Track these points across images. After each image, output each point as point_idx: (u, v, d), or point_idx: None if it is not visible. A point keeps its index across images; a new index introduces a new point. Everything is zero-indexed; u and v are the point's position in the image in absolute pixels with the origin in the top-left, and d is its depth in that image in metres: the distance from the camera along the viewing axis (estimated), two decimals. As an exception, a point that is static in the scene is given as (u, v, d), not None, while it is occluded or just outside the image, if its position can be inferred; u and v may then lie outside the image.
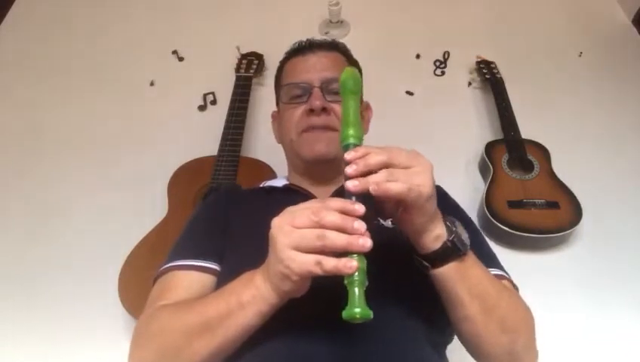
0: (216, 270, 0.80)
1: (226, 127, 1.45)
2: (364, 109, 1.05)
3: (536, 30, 1.97)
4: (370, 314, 0.54)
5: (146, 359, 0.70)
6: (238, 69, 1.66)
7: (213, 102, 1.70)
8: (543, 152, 1.46)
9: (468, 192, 1.45)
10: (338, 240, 0.55)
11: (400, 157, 0.60)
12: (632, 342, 1.21)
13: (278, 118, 1.03)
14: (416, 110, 1.69)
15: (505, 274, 0.81)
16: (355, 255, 0.55)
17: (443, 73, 1.80)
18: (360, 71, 1.05)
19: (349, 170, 0.59)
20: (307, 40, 0.99)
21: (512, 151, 1.45)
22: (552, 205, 1.33)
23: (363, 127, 1.01)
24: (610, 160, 1.56)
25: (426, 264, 0.66)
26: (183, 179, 1.38)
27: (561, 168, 1.42)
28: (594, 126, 1.65)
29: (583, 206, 1.32)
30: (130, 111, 1.69)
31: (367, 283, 0.56)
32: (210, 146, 1.43)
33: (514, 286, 0.81)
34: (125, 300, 1.14)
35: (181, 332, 0.66)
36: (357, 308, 0.54)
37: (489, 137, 1.57)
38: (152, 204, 1.36)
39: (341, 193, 0.63)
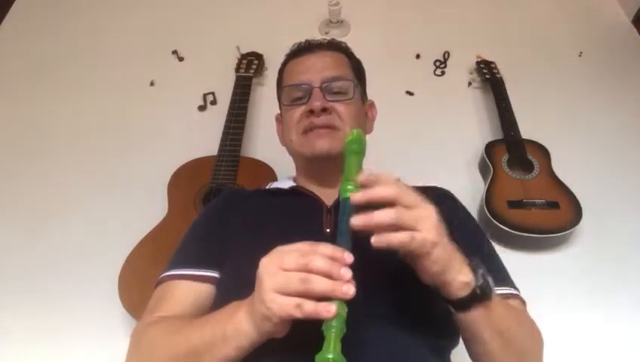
0: (214, 278, 0.80)
1: (226, 127, 1.45)
2: (369, 108, 1.03)
3: (537, 30, 1.97)
4: (344, 361, 0.54)
5: None
6: (238, 69, 1.66)
7: (213, 102, 1.70)
8: (543, 152, 1.46)
9: (468, 192, 1.45)
10: (322, 284, 0.55)
11: (408, 198, 0.60)
12: (632, 341, 1.21)
13: (281, 121, 1.02)
14: (416, 110, 1.69)
15: (515, 291, 0.81)
16: (337, 301, 0.55)
17: (443, 73, 1.80)
18: (362, 68, 1.03)
19: (355, 221, 0.59)
20: (306, 41, 0.98)
21: (512, 151, 1.45)
22: (552, 205, 1.33)
23: (367, 126, 1.00)
24: (611, 160, 1.56)
25: (452, 310, 0.66)
26: (183, 179, 1.38)
27: (561, 168, 1.42)
28: (594, 126, 1.65)
29: (583, 206, 1.32)
30: (130, 111, 1.69)
31: (344, 331, 0.56)
32: (210, 146, 1.43)
33: (523, 302, 0.81)
34: (125, 300, 1.14)
35: (167, 356, 0.68)
36: (330, 354, 0.53)
37: (489, 137, 1.57)
38: (151, 204, 1.36)
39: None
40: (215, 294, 0.80)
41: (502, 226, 1.29)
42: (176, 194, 1.35)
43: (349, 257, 0.57)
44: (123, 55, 1.86)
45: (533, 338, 0.74)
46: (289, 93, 0.94)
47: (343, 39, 1.04)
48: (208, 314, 0.71)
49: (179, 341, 0.67)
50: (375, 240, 0.58)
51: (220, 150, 1.40)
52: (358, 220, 0.59)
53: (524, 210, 1.31)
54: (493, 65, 1.71)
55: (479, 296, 0.64)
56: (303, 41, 0.99)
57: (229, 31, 1.92)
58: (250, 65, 1.67)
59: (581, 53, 1.87)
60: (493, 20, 1.99)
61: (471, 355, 0.72)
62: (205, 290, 0.79)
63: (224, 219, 0.87)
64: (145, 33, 1.94)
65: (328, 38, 0.97)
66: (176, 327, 0.71)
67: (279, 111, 1.04)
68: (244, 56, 1.72)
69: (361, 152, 0.70)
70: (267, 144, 1.56)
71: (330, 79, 0.90)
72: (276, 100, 1.05)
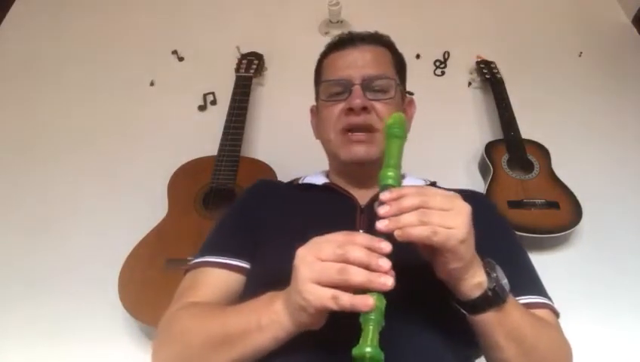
0: (245, 268, 0.80)
1: (226, 127, 1.45)
2: (407, 105, 1.00)
3: (536, 30, 1.97)
4: (381, 356, 0.53)
5: (168, 359, 0.72)
6: (238, 69, 1.66)
7: (213, 102, 1.70)
8: (543, 152, 1.46)
9: (468, 192, 1.45)
10: (359, 275, 0.54)
11: (435, 200, 0.58)
12: (632, 341, 1.21)
13: (316, 114, 0.99)
14: (416, 110, 1.69)
15: (547, 301, 0.79)
16: (375, 293, 0.54)
17: (443, 73, 1.80)
18: (404, 63, 1.00)
19: (382, 210, 0.59)
20: (348, 32, 0.95)
21: (512, 151, 1.45)
22: (552, 205, 1.33)
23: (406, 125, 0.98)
24: (611, 160, 1.56)
25: (464, 312, 0.65)
26: (183, 179, 1.38)
27: (561, 168, 1.42)
28: (594, 126, 1.65)
29: (583, 206, 1.32)
30: (130, 112, 1.69)
31: (383, 324, 0.55)
32: (210, 146, 1.43)
33: (555, 312, 0.79)
34: (125, 300, 1.14)
35: (201, 340, 0.67)
36: (368, 348, 0.53)
37: (489, 137, 1.57)
38: (151, 204, 1.36)
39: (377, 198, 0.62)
40: (245, 285, 0.80)
41: (502, 226, 1.29)
42: (176, 194, 1.35)
43: (387, 246, 0.56)
44: (123, 55, 1.86)
45: (558, 353, 0.70)
46: (327, 88, 0.91)
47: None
48: (238, 304, 0.71)
49: (214, 327, 0.67)
50: (398, 233, 0.57)
51: (220, 150, 1.40)
52: (383, 225, 0.58)
53: (524, 210, 1.31)
54: (493, 65, 1.71)
55: (491, 299, 0.62)
56: (346, 32, 0.95)
57: (229, 31, 1.92)
58: (250, 65, 1.67)
59: (581, 53, 1.87)
60: (493, 20, 1.99)
61: None
62: (236, 280, 0.79)
63: (256, 211, 0.86)
64: (145, 33, 1.94)
65: (371, 31, 0.94)
66: (210, 313, 0.71)
67: (315, 104, 1.01)
68: (244, 56, 1.72)
69: (402, 136, 0.66)
70: (267, 144, 1.56)
71: (371, 77, 0.87)
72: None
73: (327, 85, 0.91)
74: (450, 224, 0.57)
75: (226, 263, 0.79)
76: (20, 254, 1.35)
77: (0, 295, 1.27)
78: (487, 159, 1.45)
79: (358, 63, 0.88)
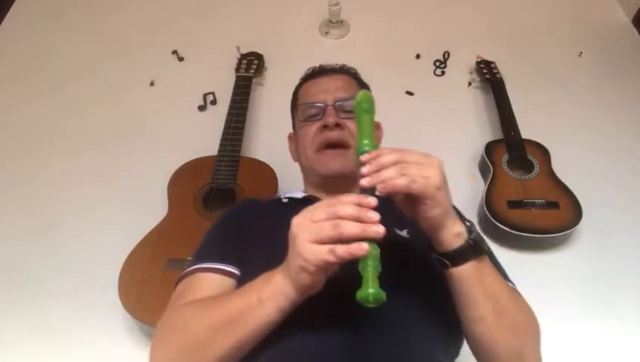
0: (237, 274, 0.82)
1: (226, 127, 1.45)
2: (376, 128, 1.06)
3: (537, 30, 1.97)
4: (384, 296, 0.56)
5: (168, 355, 0.72)
6: (238, 69, 1.66)
7: (213, 102, 1.70)
8: (543, 152, 1.46)
9: (468, 192, 1.45)
10: (353, 227, 0.58)
11: (410, 156, 0.64)
12: (632, 341, 1.21)
13: (294, 138, 1.09)
14: (416, 110, 1.69)
15: (513, 285, 0.82)
16: (369, 242, 0.58)
17: (443, 73, 1.81)
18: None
19: (364, 169, 0.64)
20: (320, 65, 1.08)
21: (512, 151, 1.45)
22: (552, 205, 1.33)
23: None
24: (611, 160, 1.56)
25: (446, 262, 0.68)
26: (183, 179, 1.38)
27: (561, 168, 1.42)
28: (594, 126, 1.65)
29: (583, 206, 1.32)
30: (130, 112, 1.69)
31: (380, 270, 0.58)
32: (210, 146, 1.43)
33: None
34: (125, 300, 1.14)
35: (205, 327, 0.68)
36: (370, 289, 0.56)
37: (489, 137, 1.57)
38: (152, 204, 1.36)
39: None
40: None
41: (502, 226, 1.29)
42: (176, 194, 1.35)
43: (373, 200, 0.61)
44: (123, 55, 1.86)
45: (528, 319, 0.74)
46: (304, 111, 1.01)
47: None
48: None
49: (216, 312, 0.69)
50: (381, 186, 0.62)
51: (220, 150, 1.40)
52: (366, 180, 0.63)
53: (524, 210, 1.31)
54: (493, 65, 1.71)
55: (473, 248, 0.67)
56: (317, 65, 1.08)
57: (229, 31, 1.92)
58: (250, 66, 1.67)
59: (581, 53, 1.87)
60: (493, 20, 2.00)
61: (466, 325, 0.72)
62: (230, 284, 0.81)
63: (242, 224, 0.91)
64: (145, 33, 1.94)
65: (340, 64, 1.08)
66: (210, 302, 0.73)
67: (291, 131, 1.11)
68: (244, 56, 1.72)
69: (371, 111, 0.73)
70: (267, 144, 1.56)
71: (342, 99, 0.97)
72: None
73: (304, 108, 1.01)
74: (427, 174, 0.63)
75: (219, 268, 0.81)
76: (20, 254, 1.35)
77: (0, 295, 1.27)
78: (487, 159, 1.45)
79: (330, 88, 1.00)
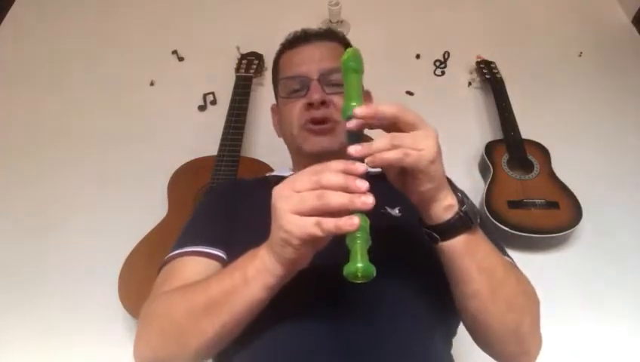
0: (222, 258, 0.78)
1: (226, 127, 1.45)
2: (366, 98, 1.01)
3: (536, 30, 1.97)
4: (373, 270, 0.52)
5: (150, 342, 0.68)
6: (238, 69, 1.66)
7: (213, 102, 1.70)
8: (543, 152, 1.46)
9: (468, 192, 1.44)
10: (339, 198, 0.53)
11: (408, 114, 0.59)
12: (632, 341, 1.21)
13: (277, 112, 1.00)
14: (416, 110, 1.69)
15: (510, 259, 0.78)
16: (358, 213, 0.53)
17: (443, 73, 1.81)
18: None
19: (351, 125, 0.58)
20: (302, 30, 0.96)
21: (512, 151, 1.45)
22: (552, 205, 1.33)
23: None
24: (611, 160, 1.56)
25: (436, 236, 0.64)
26: (183, 179, 1.38)
27: (561, 168, 1.42)
28: (594, 126, 1.65)
29: (583, 206, 1.32)
30: (130, 112, 1.69)
31: (370, 242, 0.54)
32: (210, 146, 1.43)
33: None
34: (125, 300, 1.14)
35: (186, 311, 0.64)
36: (359, 263, 0.51)
37: (489, 137, 1.57)
38: (152, 204, 1.36)
39: None
40: None
41: (502, 226, 1.29)
42: (176, 193, 1.35)
43: (361, 166, 0.55)
44: (123, 55, 1.86)
45: (526, 294, 0.69)
46: (286, 85, 0.92)
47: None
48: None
49: (196, 296, 0.64)
50: (370, 159, 0.56)
51: (220, 150, 1.40)
52: (356, 150, 0.56)
53: (524, 210, 1.31)
54: (493, 65, 1.71)
55: (463, 221, 0.62)
56: (299, 30, 0.96)
57: (229, 31, 1.92)
58: (250, 66, 1.67)
59: (581, 53, 1.87)
60: (493, 20, 1.99)
61: (460, 302, 0.68)
62: (215, 268, 0.76)
63: (228, 204, 0.86)
64: (145, 33, 1.94)
65: (324, 27, 0.95)
66: (190, 287, 0.68)
67: (275, 102, 1.02)
68: (244, 56, 1.72)
69: (359, 70, 0.65)
70: (267, 144, 1.56)
71: (327, 71, 0.88)
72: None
73: (285, 82, 0.92)
74: (421, 145, 0.57)
75: (203, 251, 0.77)
76: (20, 254, 1.35)
77: (0, 295, 1.27)
78: (487, 159, 1.45)
79: (314, 57, 0.90)
